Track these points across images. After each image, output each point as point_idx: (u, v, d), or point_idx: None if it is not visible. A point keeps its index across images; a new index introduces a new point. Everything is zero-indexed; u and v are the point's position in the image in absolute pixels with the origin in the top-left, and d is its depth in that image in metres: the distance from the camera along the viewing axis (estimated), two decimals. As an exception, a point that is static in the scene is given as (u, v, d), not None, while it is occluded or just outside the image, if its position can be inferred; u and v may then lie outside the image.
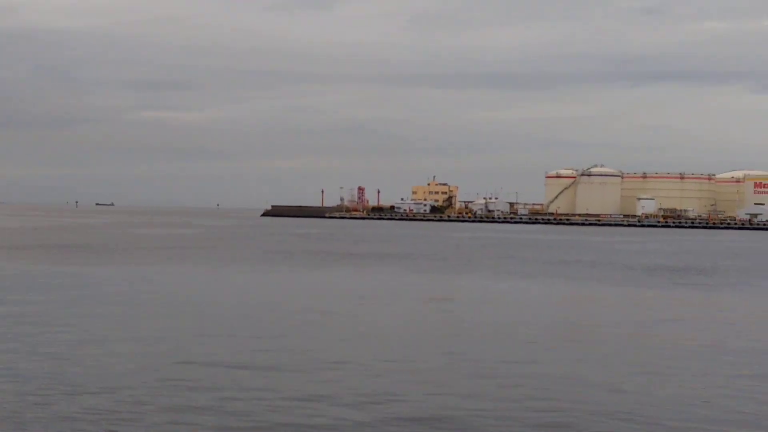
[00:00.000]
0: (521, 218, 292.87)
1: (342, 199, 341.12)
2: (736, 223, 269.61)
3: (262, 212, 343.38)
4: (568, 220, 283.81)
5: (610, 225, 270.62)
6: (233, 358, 27.74)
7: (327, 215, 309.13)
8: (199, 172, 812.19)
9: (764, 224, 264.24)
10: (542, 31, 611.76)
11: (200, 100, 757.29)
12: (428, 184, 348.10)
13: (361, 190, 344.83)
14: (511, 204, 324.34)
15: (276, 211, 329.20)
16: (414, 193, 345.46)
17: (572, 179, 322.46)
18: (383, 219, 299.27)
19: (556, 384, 24.87)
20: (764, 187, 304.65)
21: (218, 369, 25.83)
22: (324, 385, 23.95)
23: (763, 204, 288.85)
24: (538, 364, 27.88)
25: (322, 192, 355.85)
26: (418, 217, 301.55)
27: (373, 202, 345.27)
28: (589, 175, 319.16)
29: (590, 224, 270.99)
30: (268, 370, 25.98)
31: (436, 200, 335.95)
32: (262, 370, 25.95)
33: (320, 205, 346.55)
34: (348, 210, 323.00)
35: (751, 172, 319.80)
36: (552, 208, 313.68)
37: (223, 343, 30.46)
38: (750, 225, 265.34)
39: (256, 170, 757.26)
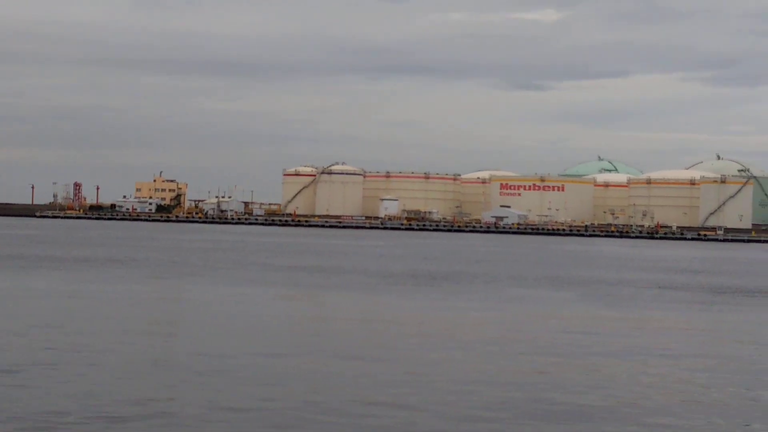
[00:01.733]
0: (257, 219, 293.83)
1: (55, 196, 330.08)
2: (481, 226, 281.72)
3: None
4: (307, 221, 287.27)
5: (351, 227, 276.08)
6: None
7: (38, 214, 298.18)
8: None
9: (510, 227, 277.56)
10: (279, 17, 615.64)
11: None
12: (154, 181, 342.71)
13: (77, 186, 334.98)
14: (246, 203, 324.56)
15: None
16: (138, 190, 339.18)
17: (312, 177, 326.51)
18: (102, 219, 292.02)
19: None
20: (510, 188, 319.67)
21: None
22: None
23: (509, 206, 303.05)
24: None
25: (32, 188, 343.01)
26: (143, 217, 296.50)
27: (91, 199, 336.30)
28: (330, 173, 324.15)
29: (331, 226, 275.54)
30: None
31: (163, 198, 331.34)
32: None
33: (30, 202, 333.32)
34: (62, 208, 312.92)
35: (497, 173, 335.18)
36: (290, 209, 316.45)
37: None
38: (495, 228, 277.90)
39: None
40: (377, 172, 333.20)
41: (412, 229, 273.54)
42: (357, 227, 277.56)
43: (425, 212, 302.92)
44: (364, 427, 23.36)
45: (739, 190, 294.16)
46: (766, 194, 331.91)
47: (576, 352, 37.02)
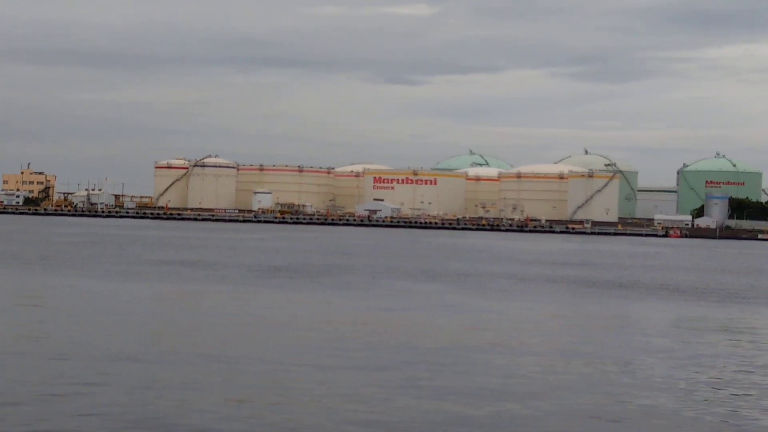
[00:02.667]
0: (128, 212, 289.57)
1: None
2: (355, 219, 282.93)
3: None
4: (179, 214, 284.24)
5: (225, 220, 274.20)
6: None
7: None
8: None
9: (383, 220, 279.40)
10: (152, 7, 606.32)
11: None
12: (21, 173, 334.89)
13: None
14: (117, 196, 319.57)
15: None
16: (5, 182, 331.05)
17: (185, 170, 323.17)
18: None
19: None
20: (384, 182, 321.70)
21: None
22: None
23: (382, 200, 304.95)
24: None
25: None
26: (9, 210, 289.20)
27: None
28: (203, 166, 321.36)
29: (204, 219, 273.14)
30: None
31: (31, 191, 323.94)
32: None
33: None
34: None
35: (371, 166, 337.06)
36: (162, 202, 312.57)
37: None
38: (369, 221, 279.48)
39: None
40: (251, 165, 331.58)
41: (286, 223, 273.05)
42: (230, 220, 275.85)
43: (299, 205, 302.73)
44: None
45: (606, 184, 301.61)
46: (631, 188, 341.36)
47: (458, 341, 37.60)
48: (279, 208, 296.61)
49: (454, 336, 40.10)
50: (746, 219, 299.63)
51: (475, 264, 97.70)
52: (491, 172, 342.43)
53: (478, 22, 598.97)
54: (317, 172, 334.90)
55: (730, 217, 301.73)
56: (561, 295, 63.97)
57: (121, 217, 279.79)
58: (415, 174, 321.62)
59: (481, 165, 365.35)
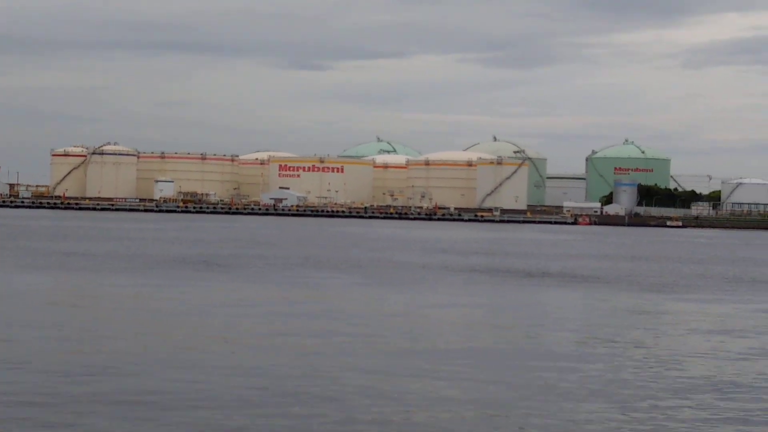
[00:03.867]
0: (23, 202, 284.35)
1: None
2: (260, 208, 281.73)
3: None
4: (77, 204, 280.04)
5: (125, 210, 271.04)
6: None
7: None
8: None
9: (289, 209, 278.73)
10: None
11: None
12: None
13: None
14: (12, 185, 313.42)
15: None
16: None
17: (83, 158, 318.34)
18: None
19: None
20: (289, 170, 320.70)
21: None
22: None
23: (288, 188, 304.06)
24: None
25: None
26: None
27: None
28: (102, 153, 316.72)
29: (103, 209, 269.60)
30: None
31: None
32: None
33: None
34: None
35: (276, 154, 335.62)
36: (59, 191, 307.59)
37: None
38: (275, 210, 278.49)
39: None
40: (152, 153, 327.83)
41: (189, 212, 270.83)
42: (130, 210, 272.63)
43: (202, 194, 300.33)
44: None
45: (515, 172, 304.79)
46: (540, 175, 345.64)
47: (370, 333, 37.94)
48: (181, 197, 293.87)
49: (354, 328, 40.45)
50: (655, 206, 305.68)
51: (383, 253, 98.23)
52: (399, 159, 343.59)
53: (386, 6, 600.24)
54: (221, 159, 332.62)
55: (639, 204, 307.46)
56: (470, 285, 64.75)
57: (16, 207, 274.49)
58: (322, 162, 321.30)
59: (389, 152, 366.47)
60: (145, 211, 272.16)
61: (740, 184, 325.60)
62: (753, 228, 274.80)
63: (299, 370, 29.62)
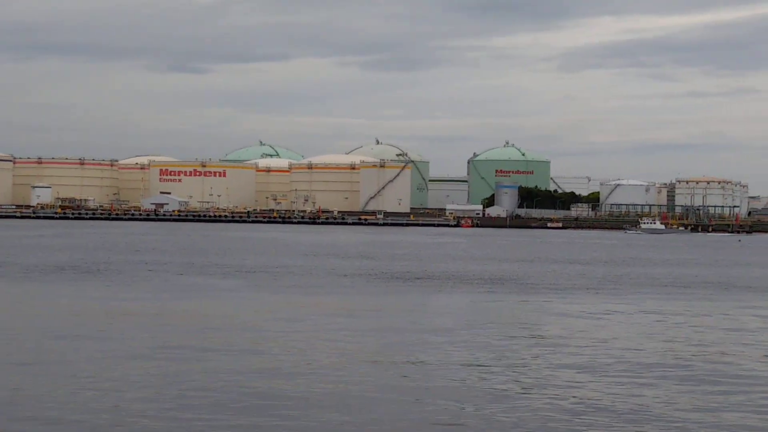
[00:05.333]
0: None
1: None
2: (141, 214, 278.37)
3: None
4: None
5: (0, 217, 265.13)
6: None
7: None
8: None
9: (170, 214, 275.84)
10: None
11: None
12: None
13: None
14: None
15: None
16: None
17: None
18: None
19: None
20: (171, 174, 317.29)
21: None
22: None
23: (169, 193, 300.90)
24: None
25: None
26: None
27: None
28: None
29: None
30: None
31: None
32: None
33: None
34: None
35: (157, 158, 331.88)
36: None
37: None
38: (156, 215, 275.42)
39: None
40: (28, 158, 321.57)
41: (67, 218, 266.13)
42: (6, 216, 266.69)
43: (81, 200, 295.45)
44: None
45: (398, 175, 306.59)
46: (423, 178, 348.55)
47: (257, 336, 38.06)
48: (59, 203, 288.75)
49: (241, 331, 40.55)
50: (536, 207, 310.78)
51: (267, 258, 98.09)
52: (282, 163, 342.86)
53: (264, 9, 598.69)
54: (100, 164, 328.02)
55: (520, 205, 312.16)
56: (354, 288, 65.20)
57: None
58: (204, 166, 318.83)
59: (271, 156, 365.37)
60: (22, 217, 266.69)
61: (618, 185, 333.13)
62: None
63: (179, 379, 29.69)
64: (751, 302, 60.31)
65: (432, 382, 30.20)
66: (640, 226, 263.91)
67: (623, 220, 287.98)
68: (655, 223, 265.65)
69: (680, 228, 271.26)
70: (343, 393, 28.23)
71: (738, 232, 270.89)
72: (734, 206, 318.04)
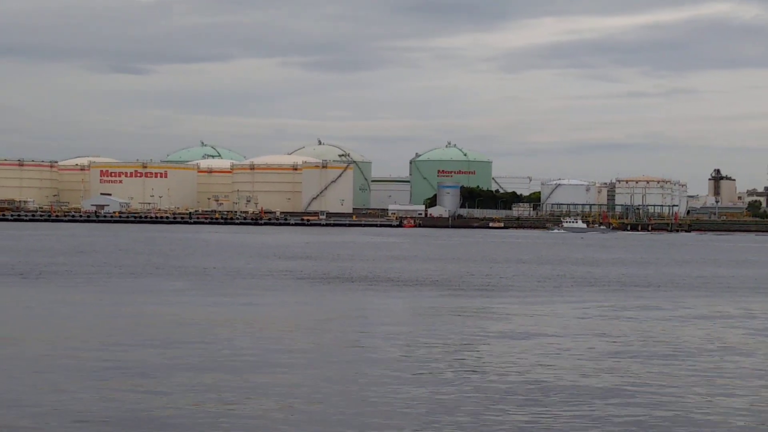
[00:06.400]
0: None
1: None
2: (81, 215, 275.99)
3: None
4: None
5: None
6: None
7: None
8: None
9: (111, 215, 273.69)
10: None
11: None
12: None
13: None
14: None
15: None
16: None
17: None
18: None
19: None
20: (111, 175, 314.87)
21: None
22: None
23: (110, 194, 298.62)
24: None
25: None
26: None
27: None
28: None
29: None
30: None
31: None
32: None
33: None
34: None
35: (98, 160, 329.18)
36: None
37: None
38: (96, 217, 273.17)
39: None
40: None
41: (6, 220, 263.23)
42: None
43: (20, 201, 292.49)
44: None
45: (340, 175, 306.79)
46: (365, 178, 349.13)
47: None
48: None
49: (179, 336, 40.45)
50: (477, 207, 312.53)
51: (210, 259, 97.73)
52: (224, 164, 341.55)
53: (206, 8, 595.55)
54: (39, 166, 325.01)
55: (462, 205, 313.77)
56: (298, 289, 65.20)
57: None
58: (145, 167, 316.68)
59: (213, 157, 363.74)
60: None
61: (559, 185, 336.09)
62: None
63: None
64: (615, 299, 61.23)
65: (369, 388, 30.31)
66: (562, 225, 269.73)
67: (590, 219, 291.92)
68: (576, 222, 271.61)
69: (602, 227, 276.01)
70: (283, 394, 28.27)
71: (677, 231, 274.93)
72: (673, 205, 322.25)
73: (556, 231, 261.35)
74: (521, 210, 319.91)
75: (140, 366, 32.21)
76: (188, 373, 31.12)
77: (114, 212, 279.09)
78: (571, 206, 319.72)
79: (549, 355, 36.30)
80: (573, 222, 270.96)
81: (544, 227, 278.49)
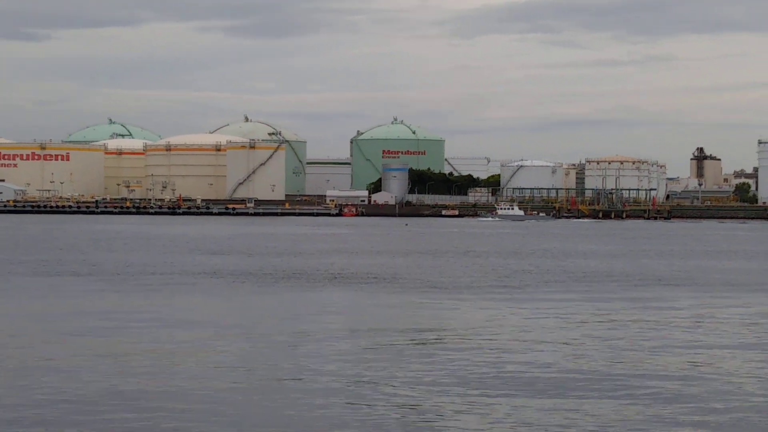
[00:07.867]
0: None
1: None
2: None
3: None
4: None
5: None
6: None
7: None
8: None
9: (6, 204, 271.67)
10: None
11: None
12: None
13: None
14: None
15: None
16: None
17: None
18: None
19: None
20: (5, 158, 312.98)
21: None
22: None
23: (3, 180, 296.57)
24: None
25: None
26: None
27: None
28: None
29: None
30: None
31: None
32: None
33: None
34: None
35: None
36: None
37: None
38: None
39: None
40: None
41: None
42: None
43: None
44: None
45: (271, 157, 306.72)
46: (300, 160, 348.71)
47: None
48: None
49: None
50: (429, 193, 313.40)
51: (123, 255, 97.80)
52: (136, 144, 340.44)
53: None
54: None
55: (411, 191, 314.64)
56: (224, 288, 65.72)
57: None
58: (43, 148, 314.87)
59: (123, 136, 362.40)
60: None
61: (521, 166, 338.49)
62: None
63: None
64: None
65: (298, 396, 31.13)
66: (497, 212, 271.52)
67: (528, 206, 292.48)
68: (513, 209, 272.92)
69: (541, 214, 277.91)
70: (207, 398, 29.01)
71: (655, 218, 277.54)
72: (651, 189, 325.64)
73: (490, 219, 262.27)
74: (478, 195, 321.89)
75: None
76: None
77: (8, 201, 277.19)
78: (535, 190, 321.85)
79: (490, 352, 37.32)
80: (509, 209, 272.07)
81: (475, 215, 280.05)
